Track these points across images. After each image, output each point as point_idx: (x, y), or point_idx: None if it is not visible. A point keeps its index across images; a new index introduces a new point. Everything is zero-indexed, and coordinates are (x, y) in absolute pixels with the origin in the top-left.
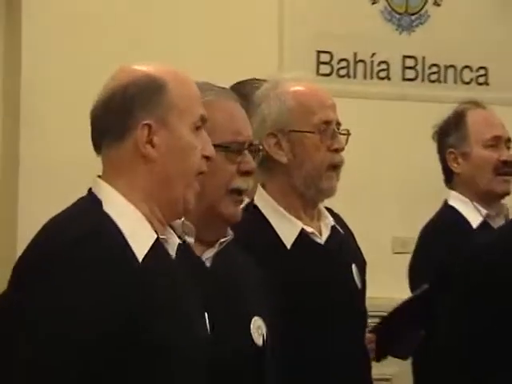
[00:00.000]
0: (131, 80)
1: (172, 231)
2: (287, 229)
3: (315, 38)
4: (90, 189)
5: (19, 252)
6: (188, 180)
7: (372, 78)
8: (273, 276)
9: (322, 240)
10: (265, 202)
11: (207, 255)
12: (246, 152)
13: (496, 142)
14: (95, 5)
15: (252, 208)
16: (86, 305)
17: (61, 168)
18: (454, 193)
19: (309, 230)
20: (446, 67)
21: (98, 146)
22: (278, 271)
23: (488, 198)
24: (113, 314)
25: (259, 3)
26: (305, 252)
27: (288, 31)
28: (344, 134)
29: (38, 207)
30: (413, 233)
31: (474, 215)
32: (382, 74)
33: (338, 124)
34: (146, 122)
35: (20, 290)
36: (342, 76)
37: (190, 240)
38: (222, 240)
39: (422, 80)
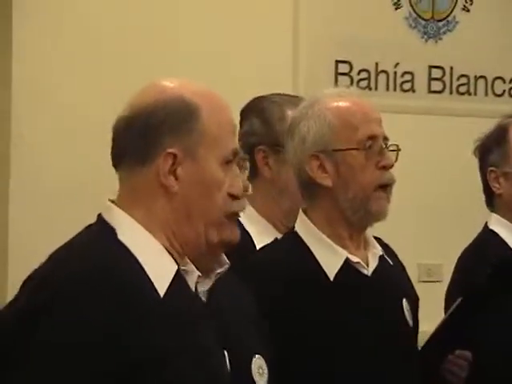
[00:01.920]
0: (161, 100)
1: (190, 262)
2: (330, 258)
3: (333, 47)
4: (100, 215)
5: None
6: (211, 218)
7: (395, 90)
8: (314, 311)
9: (368, 271)
10: (307, 229)
11: (202, 287)
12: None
13: None
14: (92, 17)
15: (292, 235)
16: (102, 338)
17: (51, 182)
18: (495, 216)
19: (354, 259)
20: (476, 78)
21: (116, 163)
22: (320, 305)
23: None
24: (132, 350)
25: (273, 9)
26: (349, 284)
27: (304, 39)
28: (393, 150)
29: (29, 224)
30: (439, 259)
31: None
32: (406, 86)
33: (386, 139)
34: (171, 151)
35: (24, 327)
36: (363, 88)
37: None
38: (219, 270)
39: (450, 92)
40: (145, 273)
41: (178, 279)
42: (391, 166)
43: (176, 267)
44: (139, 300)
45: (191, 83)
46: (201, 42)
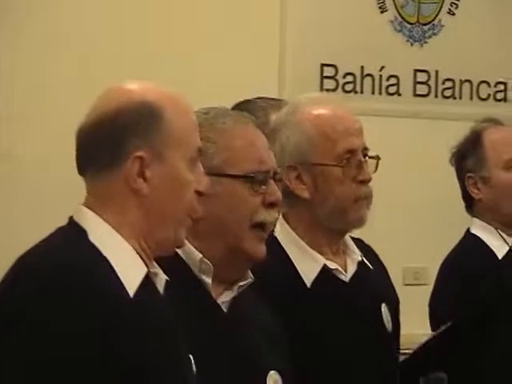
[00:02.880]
0: (124, 104)
1: (157, 266)
2: (308, 265)
3: (318, 50)
4: (71, 217)
5: None
6: (180, 217)
7: (380, 93)
8: (290, 317)
9: (346, 277)
10: (285, 235)
11: (224, 298)
12: (271, 182)
13: None
14: (80, 28)
15: (271, 240)
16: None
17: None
18: (476, 220)
19: (332, 266)
20: (462, 82)
21: (82, 170)
22: (297, 312)
23: None
24: (97, 349)
25: (260, 12)
26: (326, 291)
27: (290, 43)
28: (373, 158)
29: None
30: (424, 262)
31: (499, 244)
32: (392, 90)
33: (365, 149)
34: (138, 155)
35: None
36: (348, 91)
37: (207, 280)
38: (242, 283)
39: (436, 96)
40: (115, 274)
41: (147, 281)
42: (369, 181)
43: (146, 269)
44: (110, 300)
45: (153, 86)
46: (185, 45)
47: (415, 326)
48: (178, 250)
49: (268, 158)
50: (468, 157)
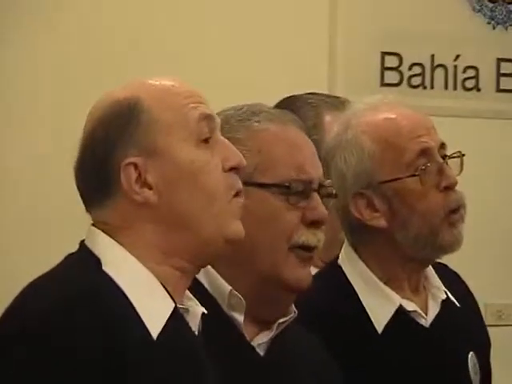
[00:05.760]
0: (95, 118)
1: (192, 297)
2: (380, 305)
3: (379, 37)
4: (82, 242)
5: None
6: (217, 205)
7: (455, 88)
8: (354, 370)
9: (427, 321)
10: (353, 267)
11: (261, 340)
12: (315, 195)
13: None
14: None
15: (334, 271)
16: None
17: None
18: None
19: (410, 307)
20: None
21: (89, 209)
22: (362, 364)
23: None
24: None
25: None
26: (401, 338)
27: (342, 27)
28: (454, 157)
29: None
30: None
31: None
32: (469, 84)
33: (443, 148)
34: (127, 162)
35: None
36: (415, 86)
37: (239, 317)
38: (282, 320)
39: None
40: (134, 310)
41: (176, 318)
42: (455, 185)
43: (173, 305)
44: (128, 341)
45: (128, 82)
46: (228, 35)
47: (496, 378)
48: (202, 280)
49: (311, 166)
50: None
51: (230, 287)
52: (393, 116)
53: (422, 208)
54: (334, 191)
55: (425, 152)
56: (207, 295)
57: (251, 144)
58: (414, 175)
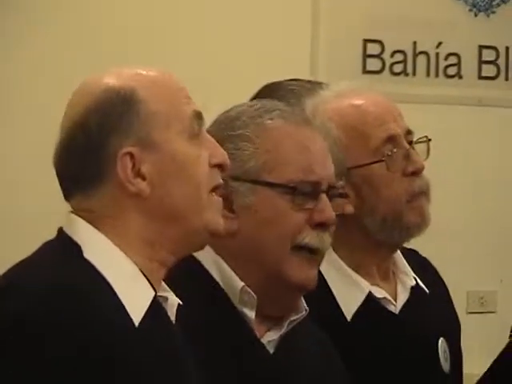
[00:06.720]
0: (90, 103)
1: (168, 288)
2: (349, 293)
3: (361, 24)
4: (60, 229)
5: None
6: (202, 201)
7: (437, 75)
8: None
9: (396, 308)
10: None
11: (270, 337)
12: (323, 197)
13: None
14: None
15: None
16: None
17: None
18: None
19: (378, 294)
20: None
21: (69, 195)
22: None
23: None
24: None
25: None
26: (371, 326)
27: (325, 14)
28: (421, 142)
29: None
30: (494, 286)
31: None
32: (451, 71)
33: (409, 134)
34: (125, 151)
35: None
36: (397, 74)
37: (250, 314)
38: (293, 318)
39: (506, 79)
40: (117, 297)
41: (156, 307)
42: (421, 170)
43: (153, 293)
44: (112, 330)
45: (117, 70)
46: (208, 18)
47: (478, 364)
48: (214, 275)
49: (320, 167)
50: None
51: (242, 283)
52: (359, 103)
53: (386, 193)
54: (345, 192)
55: (391, 138)
56: (219, 289)
57: (260, 142)
58: (380, 161)
